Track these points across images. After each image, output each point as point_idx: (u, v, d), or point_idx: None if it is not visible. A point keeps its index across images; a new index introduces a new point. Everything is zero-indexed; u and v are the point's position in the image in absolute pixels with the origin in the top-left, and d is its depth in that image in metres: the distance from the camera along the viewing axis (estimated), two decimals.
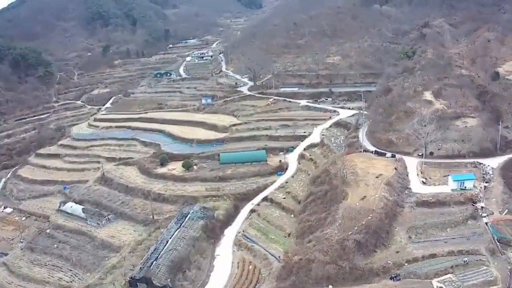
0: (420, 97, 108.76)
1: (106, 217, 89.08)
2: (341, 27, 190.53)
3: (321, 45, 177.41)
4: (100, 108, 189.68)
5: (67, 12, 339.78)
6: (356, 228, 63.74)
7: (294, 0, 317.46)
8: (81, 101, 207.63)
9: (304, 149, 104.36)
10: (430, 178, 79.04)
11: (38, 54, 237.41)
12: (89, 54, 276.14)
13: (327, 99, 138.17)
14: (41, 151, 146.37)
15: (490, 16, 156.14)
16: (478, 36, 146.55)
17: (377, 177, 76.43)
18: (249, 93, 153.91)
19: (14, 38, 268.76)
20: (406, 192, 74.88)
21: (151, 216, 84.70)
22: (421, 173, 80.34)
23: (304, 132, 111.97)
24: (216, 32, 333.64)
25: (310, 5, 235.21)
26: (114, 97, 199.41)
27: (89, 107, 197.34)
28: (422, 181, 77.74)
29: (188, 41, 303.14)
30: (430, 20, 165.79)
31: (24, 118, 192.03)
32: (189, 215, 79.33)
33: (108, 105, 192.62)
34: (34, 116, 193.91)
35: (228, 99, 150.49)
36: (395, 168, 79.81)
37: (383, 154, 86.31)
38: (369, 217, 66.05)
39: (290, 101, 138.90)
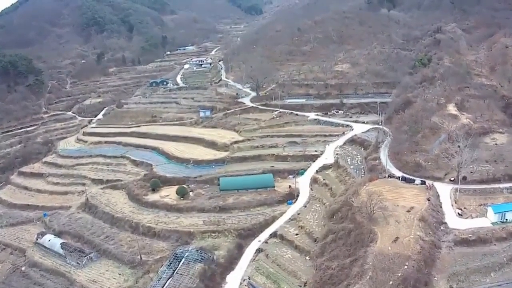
0: (444, 111, 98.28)
1: (88, 256, 76.22)
2: (348, 32, 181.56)
3: (328, 52, 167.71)
4: (91, 120, 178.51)
5: (61, 17, 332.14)
6: (391, 283, 51.58)
7: (297, 5, 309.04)
8: (72, 112, 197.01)
9: (317, 172, 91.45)
10: (465, 208, 68.83)
11: (29, 61, 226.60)
12: (83, 61, 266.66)
13: (338, 111, 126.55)
14: (24, 169, 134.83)
15: (504, 21, 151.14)
16: (495, 42, 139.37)
17: (408, 211, 65.30)
18: (251, 104, 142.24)
19: (6, 45, 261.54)
20: (442, 228, 64.34)
21: (139, 256, 71.81)
22: (456, 202, 69.81)
23: (316, 151, 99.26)
24: (215, 38, 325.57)
25: (314, 10, 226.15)
26: (106, 108, 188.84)
27: (80, 118, 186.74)
28: (458, 213, 67.35)
29: (186, 48, 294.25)
30: (442, 25, 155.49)
31: (11, 131, 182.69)
32: (183, 258, 66.74)
33: (100, 116, 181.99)
34: (21, 128, 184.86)
35: (228, 111, 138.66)
36: (428, 199, 68.23)
37: (411, 181, 74.14)
38: (405, 267, 54.44)
39: (297, 114, 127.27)
